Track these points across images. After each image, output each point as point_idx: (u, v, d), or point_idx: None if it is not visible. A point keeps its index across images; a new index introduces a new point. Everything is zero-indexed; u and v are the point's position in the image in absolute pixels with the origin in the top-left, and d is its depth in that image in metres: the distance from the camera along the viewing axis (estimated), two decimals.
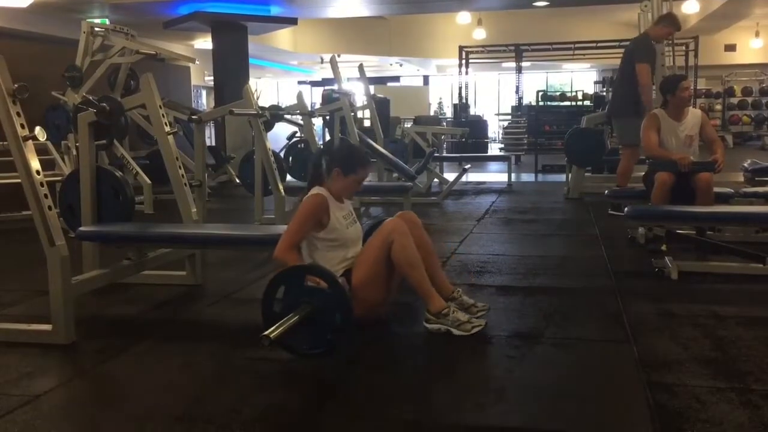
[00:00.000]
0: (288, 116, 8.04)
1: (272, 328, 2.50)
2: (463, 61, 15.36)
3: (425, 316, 3.03)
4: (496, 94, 23.76)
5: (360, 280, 2.98)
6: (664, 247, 4.25)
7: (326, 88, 10.36)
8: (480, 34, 16.16)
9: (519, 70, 15.47)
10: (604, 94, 13.78)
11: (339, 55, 9.75)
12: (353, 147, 3.41)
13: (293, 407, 2.38)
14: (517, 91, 15.79)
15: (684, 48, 14.71)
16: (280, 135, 9.11)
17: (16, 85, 2.89)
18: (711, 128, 5.17)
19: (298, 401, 2.44)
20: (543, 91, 18.48)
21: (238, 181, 8.57)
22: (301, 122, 7.80)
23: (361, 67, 8.84)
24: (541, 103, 16.62)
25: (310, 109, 7.85)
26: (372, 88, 9.30)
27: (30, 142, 2.95)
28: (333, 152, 3.21)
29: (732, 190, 5.03)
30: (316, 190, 3.08)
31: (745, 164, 6.26)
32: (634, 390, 2.40)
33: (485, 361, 2.75)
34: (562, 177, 8.85)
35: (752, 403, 2.26)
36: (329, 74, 13.06)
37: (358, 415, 2.30)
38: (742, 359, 2.66)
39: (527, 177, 10.66)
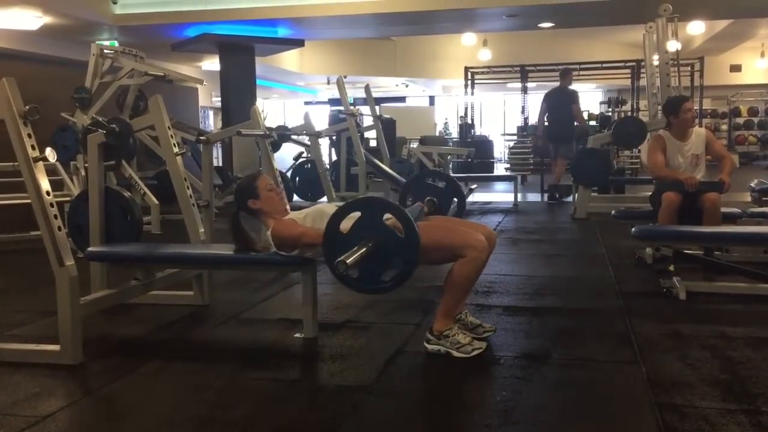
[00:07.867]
0: (295, 137, 8.07)
1: (347, 254, 2.49)
2: (469, 82, 15.43)
3: (426, 336, 3.02)
4: (501, 115, 23.80)
5: None
6: (671, 267, 4.24)
7: (333, 108, 10.42)
8: (485, 55, 16.21)
9: (524, 90, 15.52)
10: (610, 114, 13.76)
11: (345, 76, 9.80)
12: (241, 179, 3.57)
13: (302, 429, 2.38)
14: (522, 112, 15.82)
15: (689, 68, 14.72)
16: (286, 155, 9.14)
17: (27, 107, 2.92)
18: (718, 144, 5.17)
19: (307, 423, 2.43)
20: None
21: None
22: (308, 143, 7.83)
23: (367, 88, 8.90)
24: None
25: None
26: (378, 109, 9.34)
27: (40, 163, 2.97)
28: (236, 199, 3.37)
29: (739, 210, 5.01)
30: (272, 223, 3.24)
31: (752, 184, 6.23)
32: (644, 411, 2.39)
33: (493, 382, 2.74)
34: (569, 197, 8.84)
35: (762, 424, 2.25)
36: (336, 95, 13.11)
37: None
38: (752, 380, 2.64)
39: (533, 197, 10.65)
